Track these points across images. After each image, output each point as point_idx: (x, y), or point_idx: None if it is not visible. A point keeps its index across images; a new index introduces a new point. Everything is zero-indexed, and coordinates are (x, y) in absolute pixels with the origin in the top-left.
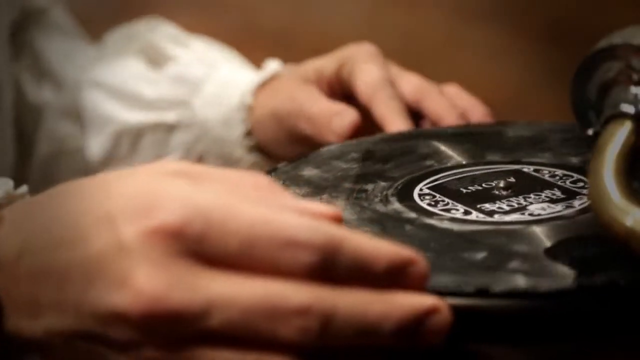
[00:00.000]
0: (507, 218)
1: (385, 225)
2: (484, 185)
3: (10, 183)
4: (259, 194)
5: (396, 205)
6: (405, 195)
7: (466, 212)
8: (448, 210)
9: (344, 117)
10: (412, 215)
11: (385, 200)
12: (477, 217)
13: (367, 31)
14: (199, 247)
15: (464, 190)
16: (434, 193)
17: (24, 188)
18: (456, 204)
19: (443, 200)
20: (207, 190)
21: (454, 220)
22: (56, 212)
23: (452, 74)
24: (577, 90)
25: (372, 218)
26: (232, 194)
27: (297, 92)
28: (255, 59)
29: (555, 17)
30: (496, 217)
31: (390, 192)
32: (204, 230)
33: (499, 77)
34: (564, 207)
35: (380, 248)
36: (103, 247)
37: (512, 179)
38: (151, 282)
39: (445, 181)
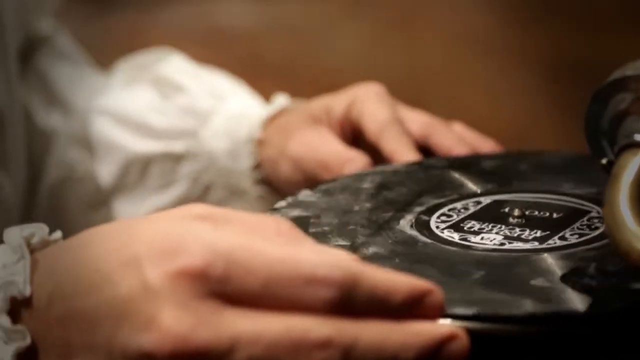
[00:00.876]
0: (452, 236)
1: (369, 226)
2: (515, 211)
3: (45, 229)
4: (280, 237)
5: (407, 215)
6: (434, 208)
7: (451, 229)
8: (438, 224)
9: (357, 163)
10: (403, 222)
11: (405, 209)
12: (446, 234)
13: (368, 63)
14: (223, 287)
15: (498, 212)
16: (462, 209)
17: (58, 234)
18: (457, 221)
19: (456, 215)
20: (230, 232)
21: (426, 232)
22: (84, 257)
23: (454, 105)
24: (591, 121)
25: (369, 220)
26: (254, 236)
27: (311, 136)
28: (259, 90)
29: (558, 49)
30: (447, 234)
31: (431, 204)
32: (227, 271)
33: (500, 109)
34: (514, 244)
35: (397, 281)
36: (130, 289)
37: (540, 213)
38: (177, 322)
39: (500, 201)
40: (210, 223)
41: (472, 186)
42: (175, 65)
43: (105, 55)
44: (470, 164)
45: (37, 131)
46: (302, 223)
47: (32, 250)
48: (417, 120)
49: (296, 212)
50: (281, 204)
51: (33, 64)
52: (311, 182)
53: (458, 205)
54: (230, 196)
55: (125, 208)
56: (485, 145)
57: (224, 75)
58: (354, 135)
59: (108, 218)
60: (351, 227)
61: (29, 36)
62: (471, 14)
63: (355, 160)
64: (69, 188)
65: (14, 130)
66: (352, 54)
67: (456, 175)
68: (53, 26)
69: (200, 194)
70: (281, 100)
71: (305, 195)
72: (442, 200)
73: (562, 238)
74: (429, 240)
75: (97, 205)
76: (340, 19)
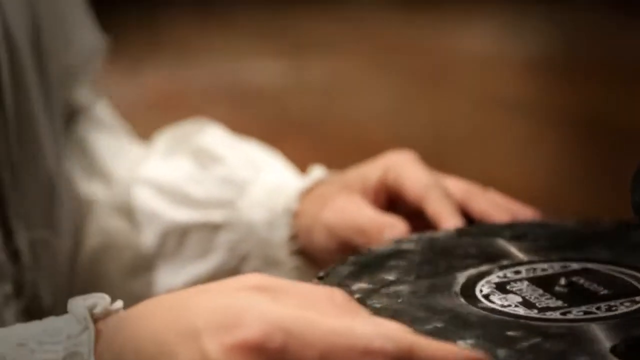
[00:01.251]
0: (479, 291)
1: (433, 267)
2: (562, 280)
3: (107, 298)
4: (335, 309)
5: (484, 266)
6: (514, 264)
7: (493, 285)
8: (494, 279)
9: (396, 229)
10: (469, 272)
11: (494, 260)
12: (479, 288)
13: (395, 122)
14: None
15: (558, 279)
16: (540, 270)
17: (119, 304)
18: (512, 280)
19: (525, 273)
20: (286, 304)
21: (464, 285)
22: (144, 328)
23: (479, 164)
24: (636, 192)
25: (446, 263)
26: (310, 308)
27: (344, 203)
28: (287, 146)
29: (589, 109)
30: (480, 289)
31: (518, 260)
32: (284, 343)
33: (526, 169)
34: (517, 309)
35: (450, 351)
36: None
37: (594, 286)
38: None
39: (586, 269)
40: (266, 294)
41: (579, 252)
42: (213, 136)
43: (138, 112)
44: (611, 233)
45: (77, 199)
46: (392, 256)
47: (95, 320)
48: (455, 185)
49: (404, 246)
50: (412, 237)
51: (73, 133)
52: (346, 249)
53: (542, 266)
54: (266, 266)
55: (164, 276)
56: (524, 212)
57: (259, 145)
58: (389, 202)
59: (147, 286)
60: (419, 264)
61: (68, 105)
62: (500, 74)
63: (394, 226)
64: (109, 256)
65: (63, 196)
66: (379, 111)
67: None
68: (91, 95)
69: (237, 263)
70: (317, 172)
71: (438, 232)
72: (535, 258)
73: (566, 313)
74: (453, 291)
75: (136, 273)
76: (366, 77)
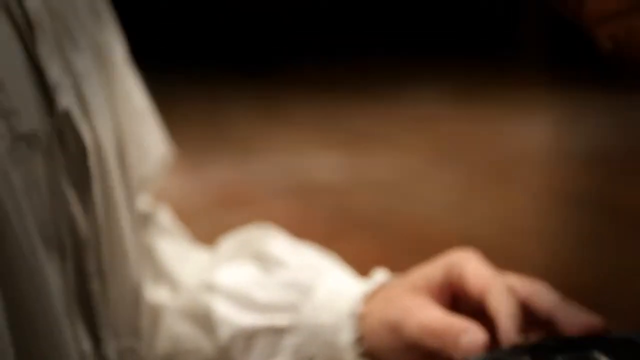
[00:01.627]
0: None
1: None
2: None
3: None
4: None
5: None
6: None
7: None
8: None
9: (475, 336)
10: None
11: None
12: None
13: (459, 218)
14: None
15: None
16: None
17: None
18: None
19: None
20: None
21: None
22: None
23: (542, 258)
24: None
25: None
26: None
27: (412, 304)
28: (349, 243)
29: None
30: None
31: None
32: None
33: (588, 262)
34: None
35: None
36: None
37: None
38: None
39: None
40: None
41: None
42: (276, 241)
43: (201, 208)
44: None
45: (145, 305)
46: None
47: None
48: (519, 284)
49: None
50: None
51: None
52: (414, 350)
53: None
54: None
55: None
56: (589, 318)
57: (320, 247)
58: (453, 300)
59: None
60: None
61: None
62: (560, 166)
63: (470, 332)
64: None
65: (144, 300)
66: (439, 206)
67: None
68: (153, 201)
69: None
70: (380, 275)
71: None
72: None
73: None
74: None
75: None
76: (426, 172)
